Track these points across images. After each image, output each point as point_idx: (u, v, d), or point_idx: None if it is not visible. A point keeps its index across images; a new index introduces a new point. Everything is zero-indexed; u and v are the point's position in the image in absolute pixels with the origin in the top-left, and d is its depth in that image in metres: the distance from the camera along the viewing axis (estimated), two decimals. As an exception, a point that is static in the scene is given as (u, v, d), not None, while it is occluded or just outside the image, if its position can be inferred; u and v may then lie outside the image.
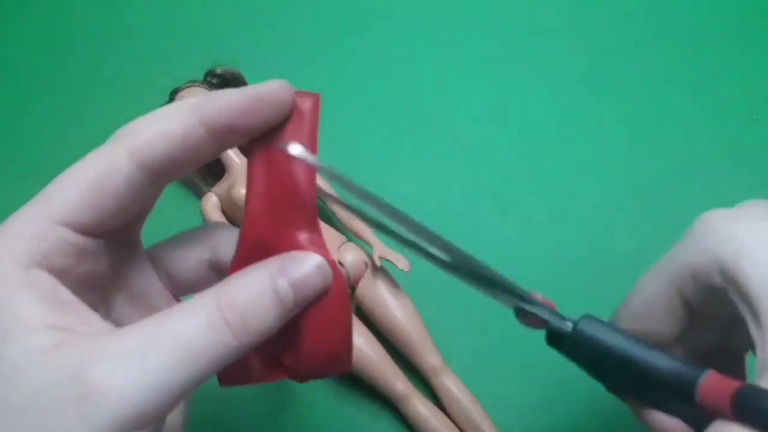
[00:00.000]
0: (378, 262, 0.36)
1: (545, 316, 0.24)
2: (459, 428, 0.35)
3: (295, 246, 0.20)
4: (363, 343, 0.35)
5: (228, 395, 0.37)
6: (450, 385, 0.35)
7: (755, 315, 0.20)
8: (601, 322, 0.23)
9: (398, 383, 0.35)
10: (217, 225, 0.24)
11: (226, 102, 0.19)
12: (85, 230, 0.18)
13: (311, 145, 0.21)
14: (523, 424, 0.37)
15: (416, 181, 0.45)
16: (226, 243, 0.22)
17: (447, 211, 0.43)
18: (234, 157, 0.40)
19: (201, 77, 0.43)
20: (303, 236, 0.20)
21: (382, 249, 0.37)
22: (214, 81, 0.43)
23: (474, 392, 0.36)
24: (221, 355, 0.17)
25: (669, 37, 0.51)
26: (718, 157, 0.46)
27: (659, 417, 0.23)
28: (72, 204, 0.18)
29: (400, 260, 0.36)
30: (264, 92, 0.19)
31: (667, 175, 0.45)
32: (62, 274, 0.18)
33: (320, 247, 0.20)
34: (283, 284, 0.18)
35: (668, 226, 0.43)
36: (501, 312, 0.41)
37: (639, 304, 0.24)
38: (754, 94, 0.48)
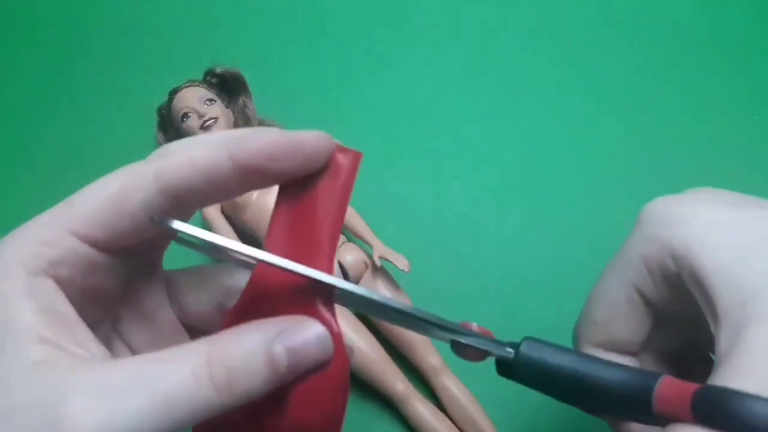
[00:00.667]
0: (378, 262, 0.36)
1: (483, 346, 0.21)
2: (459, 428, 0.35)
3: (305, 308, 0.18)
4: (363, 344, 0.35)
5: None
6: (450, 385, 0.35)
7: (711, 302, 0.19)
8: (544, 342, 0.21)
9: (398, 383, 0.35)
10: (235, 268, 0.23)
11: (258, 142, 0.18)
12: (96, 245, 0.18)
13: (342, 203, 0.20)
14: (523, 424, 0.36)
15: (416, 181, 0.45)
16: (240, 289, 0.21)
17: (447, 211, 0.43)
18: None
19: (201, 77, 0.43)
20: (316, 300, 0.19)
21: (382, 249, 0.37)
22: (214, 81, 0.43)
23: (474, 392, 0.36)
24: (201, 411, 0.16)
25: (669, 37, 0.51)
26: (718, 157, 0.46)
27: (638, 429, 0.22)
28: (88, 216, 0.18)
29: (400, 260, 0.36)
30: (301, 141, 0.19)
31: (667, 175, 0.45)
32: (68, 285, 0.18)
33: (329, 315, 0.19)
34: (278, 349, 0.16)
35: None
36: (501, 312, 0.41)
37: (600, 312, 0.23)
38: (753, 94, 0.48)
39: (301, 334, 0.17)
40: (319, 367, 0.17)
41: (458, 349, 0.22)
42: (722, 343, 0.19)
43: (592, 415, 0.23)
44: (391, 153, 0.46)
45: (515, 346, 0.21)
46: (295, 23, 0.52)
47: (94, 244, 0.18)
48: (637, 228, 0.22)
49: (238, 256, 0.20)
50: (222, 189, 0.19)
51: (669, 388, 0.19)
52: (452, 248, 0.42)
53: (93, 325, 0.19)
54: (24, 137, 0.47)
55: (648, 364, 0.25)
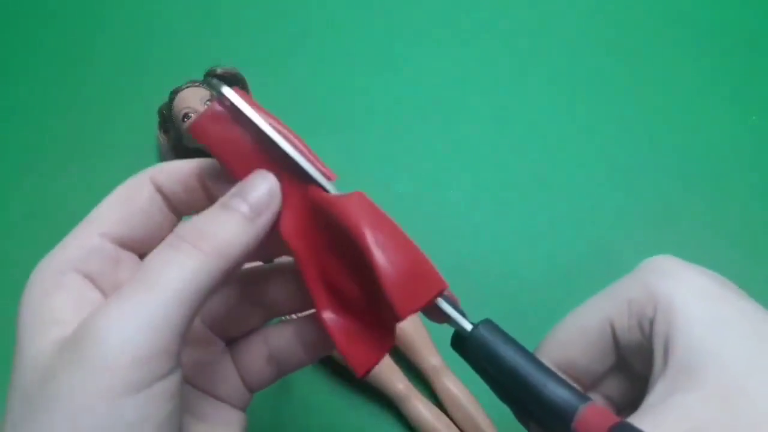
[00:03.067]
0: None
1: (448, 310, 0.22)
2: (459, 428, 0.35)
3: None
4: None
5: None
6: (450, 385, 0.35)
7: (666, 353, 0.20)
8: (503, 332, 0.22)
9: (399, 383, 0.35)
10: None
11: (216, 184, 0.21)
12: (120, 241, 0.20)
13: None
14: (522, 425, 0.37)
15: (416, 180, 0.45)
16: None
17: (447, 211, 0.43)
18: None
19: (201, 77, 0.43)
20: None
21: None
22: (214, 81, 0.43)
23: (474, 392, 0.36)
24: (204, 283, 0.18)
25: (668, 38, 0.51)
26: (718, 157, 0.46)
27: None
28: (108, 218, 0.20)
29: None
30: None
31: (667, 175, 0.45)
32: (99, 278, 0.20)
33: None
34: (235, 202, 0.19)
35: (668, 227, 0.43)
36: (501, 313, 0.41)
37: (569, 332, 0.24)
38: (754, 94, 0.48)
39: (252, 185, 0.20)
40: (275, 197, 0.20)
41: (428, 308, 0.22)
42: (657, 391, 0.20)
43: (518, 419, 0.23)
44: (390, 153, 0.46)
45: (474, 324, 0.22)
46: (295, 23, 0.52)
47: (118, 241, 0.20)
48: (634, 272, 0.23)
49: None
50: (195, 199, 0.21)
51: (592, 413, 0.20)
52: (452, 248, 0.42)
53: None
54: (25, 137, 0.47)
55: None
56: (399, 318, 0.20)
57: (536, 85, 0.49)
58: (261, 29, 0.52)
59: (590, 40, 0.51)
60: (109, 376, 0.16)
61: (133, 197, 0.21)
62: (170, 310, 0.17)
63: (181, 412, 0.19)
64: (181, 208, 0.22)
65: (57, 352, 0.17)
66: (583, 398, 0.20)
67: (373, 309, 0.21)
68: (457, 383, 0.36)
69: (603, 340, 0.23)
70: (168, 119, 0.43)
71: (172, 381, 0.18)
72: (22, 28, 0.53)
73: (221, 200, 0.19)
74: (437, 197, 0.44)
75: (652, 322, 0.21)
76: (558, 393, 0.20)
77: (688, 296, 0.21)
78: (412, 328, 0.36)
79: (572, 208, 0.43)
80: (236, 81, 0.43)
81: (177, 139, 0.42)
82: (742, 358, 0.19)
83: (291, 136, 0.21)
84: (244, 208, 0.19)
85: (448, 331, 0.38)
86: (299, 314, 0.24)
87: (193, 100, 0.40)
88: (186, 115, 0.40)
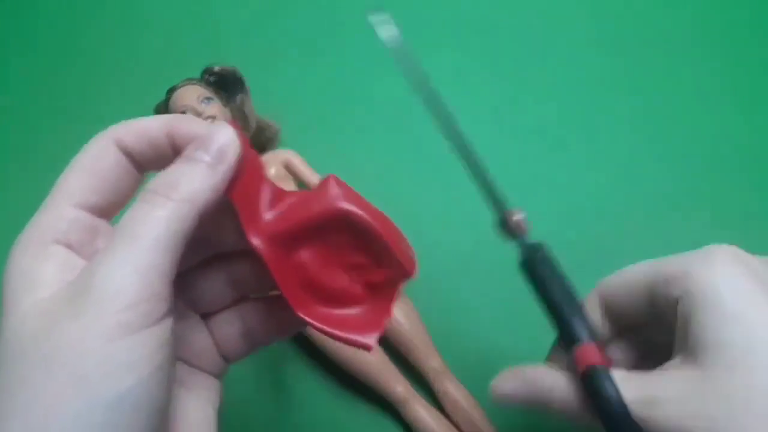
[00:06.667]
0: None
1: (525, 225, 0.28)
2: (459, 431, 0.34)
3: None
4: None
5: (226, 398, 0.37)
6: (451, 388, 0.35)
7: (686, 334, 0.22)
8: (556, 263, 0.27)
9: (399, 386, 0.35)
10: None
11: (188, 126, 0.22)
12: (94, 210, 0.21)
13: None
14: (523, 428, 0.36)
15: (416, 180, 0.44)
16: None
17: (447, 210, 0.43)
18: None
19: (198, 75, 0.43)
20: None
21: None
22: (212, 79, 0.42)
23: (475, 395, 0.35)
24: (179, 228, 0.19)
25: (667, 38, 0.51)
26: (718, 157, 0.45)
27: (534, 374, 0.25)
28: (80, 188, 0.21)
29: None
30: (204, 134, 0.22)
31: (666, 175, 0.45)
32: (80, 248, 0.21)
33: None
34: (198, 153, 0.21)
35: (668, 227, 0.43)
36: (501, 313, 0.41)
37: (617, 279, 0.27)
38: (754, 94, 0.48)
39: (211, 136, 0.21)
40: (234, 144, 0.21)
41: (504, 221, 0.28)
42: (673, 364, 0.22)
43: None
44: (391, 153, 0.46)
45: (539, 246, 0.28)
46: (294, 22, 0.52)
47: (92, 209, 0.21)
48: (690, 252, 0.25)
49: None
50: (161, 155, 0.22)
51: (589, 349, 0.24)
52: (453, 248, 0.42)
53: None
54: (21, 135, 0.47)
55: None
56: (410, 275, 0.22)
57: (537, 85, 0.49)
58: (260, 28, 0.52)
59: (591, 40, 0.51)
60: (103, 320, 0.17)
61: (100, 164, 0.21)
62: (153, 255, 0.18)
63: (174, 369, 0.20)
64: (147, 165, 0.22)
65: (49, 309, 0.18)
66: (593, 337, 0.24)
67: (361, 288, 0.23)
68: (458, 386, 0.35)
69: (640, 297, 0.25)
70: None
71: (163, 328, 0.19)
72: (18, 27, 0.53)
73: (185, 153, 0.21)
74: (437, 197, 0.44)
75: (677, 302, 0.23)
76: (577, 324, 0.25)
77: (717, 288, 0.22)
78: (413, 331, 0.36)
79: (572, 209, 0.43)
80: (234, 79, 0.42)
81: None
82: (751, 350, 0.21)
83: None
84: (206, 158, 0.20)
85: (448, 332, 0.38)
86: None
87: (190, 99, 0.40)
88: (182, 113, 0.40)
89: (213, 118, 0.40)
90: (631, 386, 0.22)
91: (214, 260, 0.25)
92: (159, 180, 0.20)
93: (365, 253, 0.22)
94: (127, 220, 0.19)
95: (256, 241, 0.21)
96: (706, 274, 0.23)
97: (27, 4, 0.54)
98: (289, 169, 0.41)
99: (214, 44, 0.51)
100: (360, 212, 0.21)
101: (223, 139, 0.21)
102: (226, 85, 0.42)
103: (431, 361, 0.35)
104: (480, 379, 0.37)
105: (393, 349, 0.36)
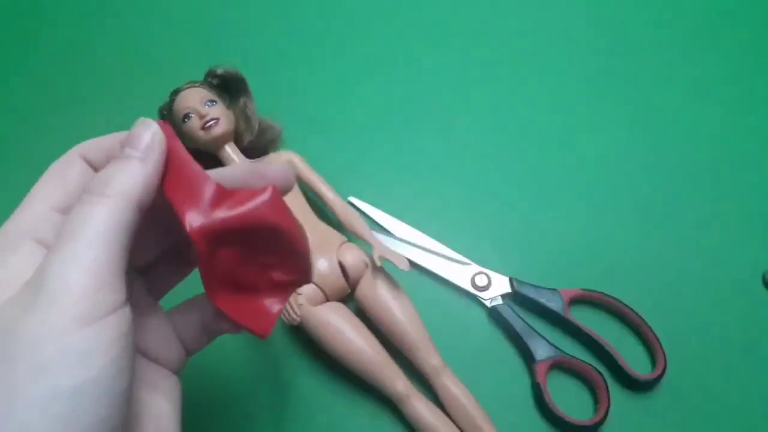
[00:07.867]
0: (378, 262, 0.36)
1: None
2: (459, 428, 0.35)
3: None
4: (363, 343, 0.35)
5: (226, 396, 0.37)
6: (450, 385, 0.35)
7: None
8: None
9: (398, 383, 0.35)
10: None
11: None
12: (63, 210, 0.23)
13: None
14: (523, 425, 0.36)
15: (416, 180, 0.45)
16: None
17: (447, 210, 0.43)
18: (233, 156, 0.40)
19: (202, 78, 0.43)
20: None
21: (382, 249, 0.37)
22: (215, 81, 0.43)
23: (474, 392, 0.35)
24: (118, 221, 0.20)
25: (667, 38, 0.51)
26: (719, 157, 0.46)
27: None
28: (50, 192, 0.23)
29: (400, 260, 0.36)
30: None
31: (666, 175, 0.45)
32: (50, 244, 0.22)
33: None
34: (128, 150, 0.22)
35: (667, 227, 0.43)
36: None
37: None
38: (755, 95, 0.48)
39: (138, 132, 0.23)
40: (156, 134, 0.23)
41: None
42: None
43: None
44: (390, 153, 0.46)
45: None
46: (295, 24, 0.52)
47: (61, 210, 0.23)
48: None
49: None
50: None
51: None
52: (452, 248, 0.42)
53: None
54: (24, 137, 0.47)
55: None
56: (308, 280, 0.25)
57: (536, 85, 0.49)
58: (262, 30, 0.52)
59: (591, 40, 0.51)
60: (57, 314, 0.18)
61: (67, 173, 0.24)
62: (97, 249, 0.20)
63: (134, 358, 0.21)
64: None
65: (9, 307, 0.19)
66: None
67: (266, 285, 0.25)
68: (457, 383, 0.36)
69: None
70: (168, 120, 0.43)
71: (120, 318, 0.20)
72: (22, 27, 0.53)
73: (116, 154, 0.23)
74: (436, 197, 0.44)
75: None
76: None
77: None
78: (412, 328, 0.36)
79: (572, 209, 0.43)
80: (237, 81, 0.43)
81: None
82: None
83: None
84: (135, 153, 0.22)
85: (448, 331, 0.38)
86: None
87: (193, 101, 0.40)
88: (186, 116, 0.40)
89: (216, 120, 0.40)
90: None
91: (173, 252, 0.27)
92: (93, 181, 0.22)
93: (278, 256, 0.24)
94: (68, 221, 0.21)
95: (189, 228, 0.23)
96: None
97: (30, 8, 0.54)
98: None
99: (217, 47, 0.51)
100: (279, 221, 0.23)
101: (149, 133, 0.23)
102: (229, 88, 0.43)
103: (431, 359, 0.36)
104: (479, 377, 0.37)
105: (392, 346, 0.36)
